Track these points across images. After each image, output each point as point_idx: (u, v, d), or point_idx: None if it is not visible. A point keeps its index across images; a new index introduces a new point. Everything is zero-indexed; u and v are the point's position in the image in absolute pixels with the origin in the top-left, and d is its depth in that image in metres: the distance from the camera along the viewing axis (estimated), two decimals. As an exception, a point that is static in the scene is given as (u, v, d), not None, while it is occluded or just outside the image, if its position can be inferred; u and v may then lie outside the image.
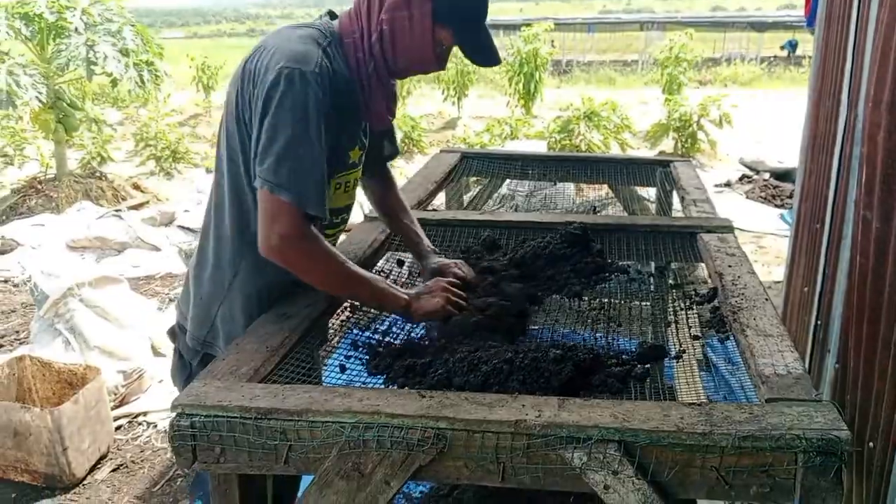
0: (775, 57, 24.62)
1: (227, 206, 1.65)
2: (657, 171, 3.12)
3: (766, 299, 1.65)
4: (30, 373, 2.99)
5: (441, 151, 3.32)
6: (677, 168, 2.99)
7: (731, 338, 1.55)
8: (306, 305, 1.71)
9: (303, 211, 1.48)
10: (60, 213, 6.67)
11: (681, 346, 1.63)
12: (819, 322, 3.10)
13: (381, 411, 1.18)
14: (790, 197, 7.72)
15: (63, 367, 2.97)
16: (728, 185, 8.27)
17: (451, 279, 1.75)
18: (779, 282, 4.33)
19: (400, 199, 2.01)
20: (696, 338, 1.64)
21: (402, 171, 9.00)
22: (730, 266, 1.85)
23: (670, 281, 2.08)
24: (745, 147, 9.96)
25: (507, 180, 3.41)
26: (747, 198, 7.79)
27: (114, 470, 2.96)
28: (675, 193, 2.94)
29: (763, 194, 7.84)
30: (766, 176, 8.47)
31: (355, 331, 1.76)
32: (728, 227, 2.14)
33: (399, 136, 9.36)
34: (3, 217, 7.25)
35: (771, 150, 9.26)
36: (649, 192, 3.18)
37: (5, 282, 5.14)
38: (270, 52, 1.52)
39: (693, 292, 1.83)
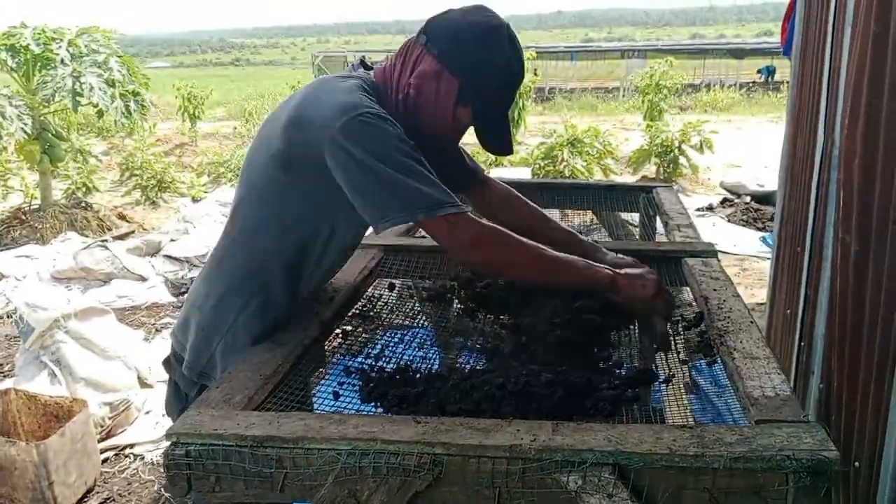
0: (754, 83, 25.08)
1: (242, 243, 1.67)
2: (640, 196, 3.17)
3: (752, 322, 1.68)
4: (15, 406, 2.96)
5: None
6: (660, 193, 3.04)
7: (719, 361, 1.58)
8: (299, 332, 1.73)
9: (460, 209, 1.48)
10: (45, 244, 6.63)
11: (670, 370, 1.65)
12: (802, 343, 3.15)
13: (376, 437, 1.19)
14: (771, 220, 7.84)
15: (49, 400, 2.94)
16: (710, 208, 8.38)
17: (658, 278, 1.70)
18: (762, 303, 4.39)
19: (523, 204, 1.96)
20: (684, 362, 1.66)
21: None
22: (715, 290, 1.89)
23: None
24: (726, 171, 10.12)
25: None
26: (729, 221, 7.90)
27: None
28: (658, 218, 2.99)
29: (744, 217, 7.95)
30: (747, 199, 8.60)
31: (347, 357, 1.77)
32: (712, 252, 2.18)
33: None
34: (-14, 248, 7.22)
35: (751, 174, 9.41)
36: (633, 217, 3.22)
37: (-11, 314, 5.10)
38: (320, 104, 1.52)
39: (680, 317, 1.86)
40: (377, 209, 1.47)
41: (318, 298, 1.90)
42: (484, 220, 1.59)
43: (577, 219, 3.32)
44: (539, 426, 1.21)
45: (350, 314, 1.95)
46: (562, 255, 1.62)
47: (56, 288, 5.40)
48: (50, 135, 7.48)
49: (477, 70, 1.57)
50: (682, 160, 9.25)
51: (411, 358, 1.74)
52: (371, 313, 2.01)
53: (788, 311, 3.39)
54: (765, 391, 1.34)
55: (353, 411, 1.56)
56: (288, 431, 1.23)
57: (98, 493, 2.98)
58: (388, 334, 1.90)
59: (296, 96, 1.63)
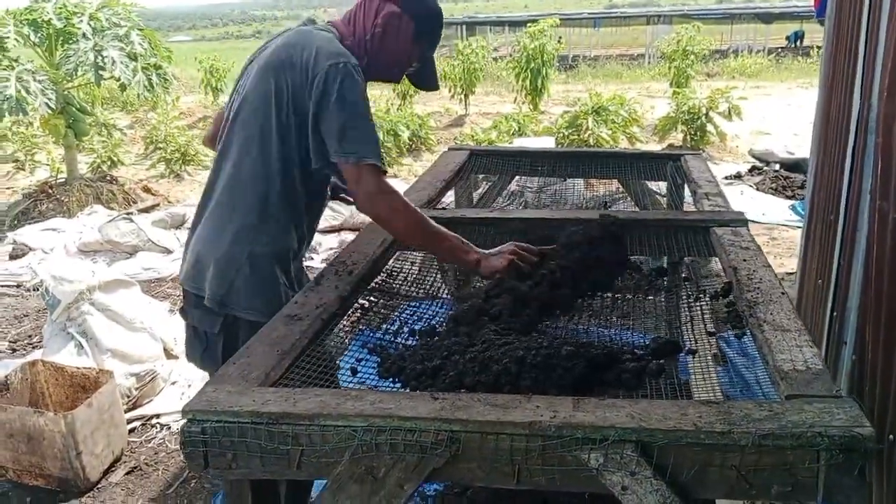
0: (783, 48, 24.46)
1: (245, 183, 1.84)
2: (668, 164, 3.10)
3: (783, 293, 1.62)
4: (43, 377, 2.99)
5: (449, 149, 3.30)
6: (688, 161, 2.96)
7: (748, 333, 1.53)
8: (316, 307, 1.70)
9: (381, 169, 1.77)
10: (72, 218, 6.69)
11: (695, 341, 1.61)
12: (835, 314, 3.07)
13: (393, 414, 1.17)
14: (801, 188, 7.67)
15: (76, 372, 2.97)
16: (738, 176, 8.21)
17: (521, 244, 1.91)
18: (792, 273, 4.29)
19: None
20: (711, 333, 1.62)
21: (412, 168, 8.99)
22: (744, 260, 1.83)
23: (683, 275, 2.06)
24: (755, 139, 9.90)
25: (517, 177, 3.38)
26: (758, 189, 7.73)
27: (128, 473, 2.96)
28: (685, 187, 2.92)
29: (774, 185, 7.78)
30: (776, 167, 8.41)
31: (366, 332, 1.75)
32: (741, 221, 2.12)
33: (406, 133, 9.36)
34: (15, 222, 7.29)
35: (780, 142, 9.20)
36: (660, 187, 3.15)
37: (17, 286, 5.16)
38: (313, 50, 1.78)
39: (706, 287, 1.81)
40: (342, 142, 1.75)
41: (337, 272, 1.88)
42: (393, 188, 1.83)
43: (601, 188, 3.25)
44: (559, 402, 1.18)
45: (369, 287, 1.92)
46: (444, 231, 1.88)
47: (82, 261, 5.46)
48: (74, 109, 7.49)
49: (426, 15, 1.94)
50: (709, 128, 9.06)
51: (428, 326, 1.74)
52: (391, 287, 1.98)
53: (820, 281, 3.31)
54: (796, 365, 1.29)
55: (371, 387, 1.54)
56: (304, 408, 1.21)
57: (125, 462, 3.01)
58: (407, 309, 1.87)
59: (277, 42, 1.90)
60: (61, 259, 5.03)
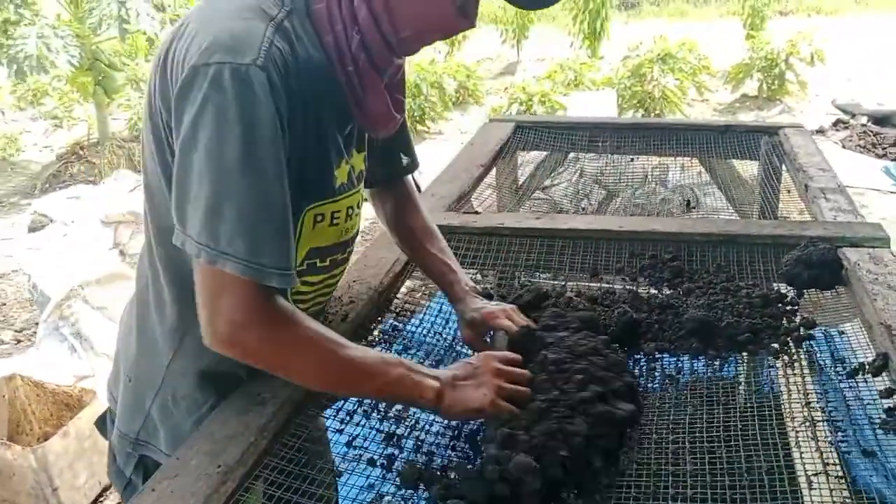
0: (865, -19, 22.60)
1: (155, 250, 1.17)
2: (761, 140, 2.49)
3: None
4: (23, 393, 2.62)
5: (490, 121, 2.76)
6: (789, 138, 2.36)
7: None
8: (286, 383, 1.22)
9: (260, 284, 1.00)
10: (99, 184, 6.37)
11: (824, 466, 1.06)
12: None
13: None
14: (893, 145, 6.85)
15: (57, 389, 2.59)
16: (821, 131, 7.39)
17: (504, 354, 1.21)
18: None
19: (424, 221, 1.45)
20: (869, 454, 1.08)
21: (458, 125, 8.40)
22: (901, 311, 1.27)
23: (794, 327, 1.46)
24: (838, 87, 8.95)
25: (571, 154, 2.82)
26: (843, 147, 6.93)
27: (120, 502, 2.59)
28: (784, 170, 2.32)
29: (861, 142, 6.97)
30: (864, 120, 7.55)
31: (362, 421, 1.25)
32: (881, 239, 1.54)
33: (453, 86, 8.69)
34: (47, 185, 7.04)
35: (867, 90, 8.27)
36: (751, 168, 2.56)
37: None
38: (191, 34, 1.01)
39: (841, 357, 1.26)
40: (183, 219, 1.00)
41: (326, 317, 1.39)
42: (279, 310, 1.04)
43: (672, 172, 2.67)
44: None
45: (369, 339, 1.43)
46: (375, 361, 1.11)
47: (105, 233, 5.12)
48: (103, 65, 7.12)
49: None
50: (788, 75, 8.19)
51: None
52: (400, 336, 1.48)
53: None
54: None
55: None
56: None
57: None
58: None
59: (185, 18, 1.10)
60: (51, 250, 4.65)
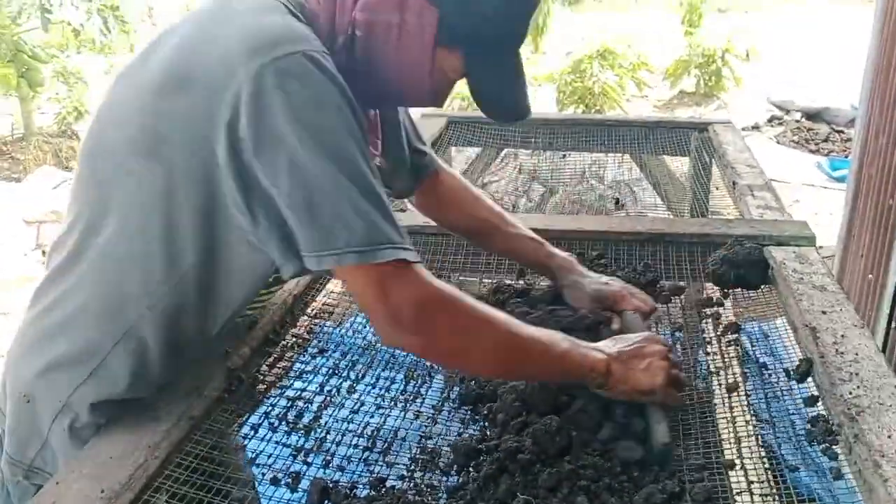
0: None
1: (91, 280, 1.04)
2: (691, 135, 2.49)
3: (897, 386, 1.05)
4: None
5: (422, 116, 2.68)
6: (718, 134, 2.35)
7: (845, 464, 0.97)
8: (185, 392, 1.13)
9: (413, 262, 0.95)
10: (21, 181, 6.09)
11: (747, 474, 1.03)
12: (893, 324, 2.52)
13: None
14: (825, 140, 7.03)
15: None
16: (756, 127, 7.55)
17: (668, 342, 1.19)
18: (827, 257, 3.69)
19: (487, 204, 1.43)
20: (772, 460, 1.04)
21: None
22: (823, 312, 1.25)
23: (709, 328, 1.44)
24: (773, 84, 9.16)
25: (504, 150, 2.79)
26: (778, 142, 7.08)
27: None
28: (714, 165, 2.32)
29: (795, 138, 7.14)
30: (798, 116, 7.74)
31: (270, 439, 1.17)
32: (807, 238, 1.52)
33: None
34: (-33, 183, 6.70)
35: (802, 86, 8.47)
36: (681, 164, 2.55)
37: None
38: (211, 39, 0.95)
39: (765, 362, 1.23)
40: (313, 226, 0.92)
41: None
42: (443, 286, 0.99)
43: (609, 170, 2.65)
44: None
45: (280, 350, 1.34)
46: (538, 333, 1.05)
47: (27, 232, 4.88)
48: (26, 56, 6.80)
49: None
50: (725, 72, 8.33)
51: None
52: (314, 349, 1.40)
53: (871, 277, 2.74)
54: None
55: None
56: None
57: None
58: (342, 393, 1.28)
59: (176, 31, 1.01)
60: None
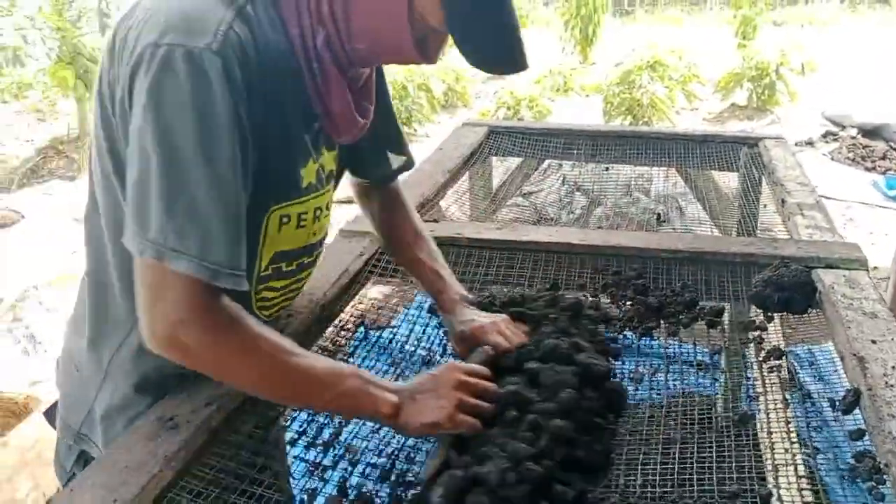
0: (859, -7, 22.65)
1: (109, 247, 1.09)
2: (741, 151, 2.41)
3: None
4: (-34, 399, 2.51)
5: (463, 125, 2.66)
6: (769, 150, 2.27)
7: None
8: (205, 401, 1.12)
9: (207, 283, 0.93)
10: (75, 180, 6.24)
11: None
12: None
13: None
14: (883, 158, 6.79)
15: (1, 396, 2.48)
16: (810, 143, 7.33)
17: (470, 366, 1.13)
18: (884, 278, 3.55)
19: (413, 225, 1.39)
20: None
21: (446, 128, 8.30)
22: (874, 341, 1.18)
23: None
24: (828, 99, 8.90)
25: (547, 161, 2.74)
26: (832, 159, 6.87)
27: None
28: (763, 182, 2.24)
29: (851, 155, 6.90)
30: (854, 132, 7.49)
31: (297, 450, 1.15)
32: (859, 261, 1.45)
33: (441, 89, 8.59)
34: (24, 180, 6.89)
35: (858, 102, 8.21)
36: (730, 179, 2.47)
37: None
38: (143, 17, 0.94)
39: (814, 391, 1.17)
40: (137, 215, 0.92)
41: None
42: (224, 311, 0.96)
43: (655, 184, 2.58)
44: None
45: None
46: (325, 369, 1.03)
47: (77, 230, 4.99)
48: (84, 59, 6.99)
49: None
50: (779, 86, 8.12)
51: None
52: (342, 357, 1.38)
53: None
54: None
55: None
56: None
57: (65, 501, 2.53)
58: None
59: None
60: (22, 244, 4.54)
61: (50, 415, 1.32)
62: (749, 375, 1.33)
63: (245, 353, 0.97)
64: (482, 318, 1.27)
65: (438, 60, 1.10)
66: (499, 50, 1.02)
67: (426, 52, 1.04)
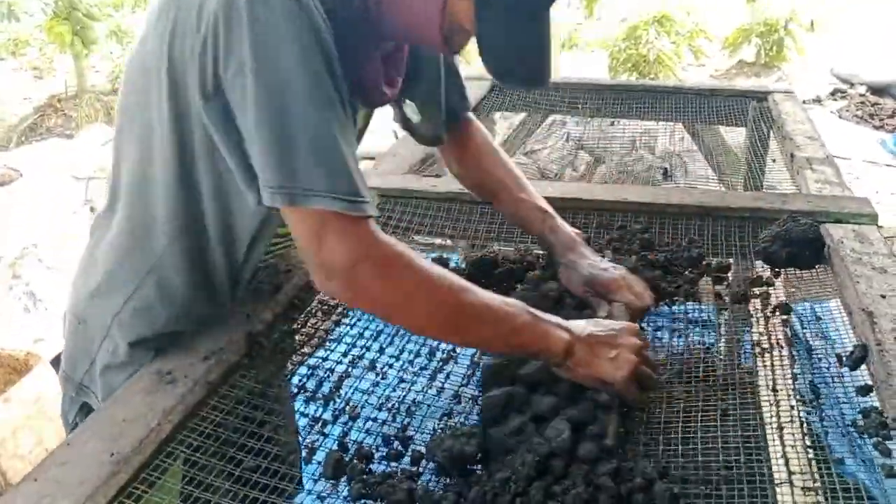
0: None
1: (126, 204, 1.09)
2: (748, 105, 2.36)
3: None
4: (-34, 356, 2.51)
5: (465, 80, 2.59)
6: (778, 103, 2.22)
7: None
8: (203, 356, 1.11)
9: (362, 215, 0.92)
10: (73, 138, 6.18)
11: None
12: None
13: None
14: (891, 116, 6.70)
15: (2, 353, 2.48)
16: (818, 100, 7.22)
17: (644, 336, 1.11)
18: (890, 237, 3.52)
19: (503, 164, 1.38)
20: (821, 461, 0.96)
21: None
22: (883, 296, 1.15)
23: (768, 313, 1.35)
24: (837, 56, 8.74)
25: (551, 117, 2.69)
26: (840, 117, 6.77)
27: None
28: (772, 137, 2.20)
29: (859, 112, 6.81)
30: (863, 90, 7.38)
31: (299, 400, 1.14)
32: (869, 216, 1.42)
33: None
34: (23, 139, 6.83)
35: (869, 60, 8.07)
36: (737, 134, 2.42)
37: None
38: None
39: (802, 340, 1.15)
40: (266, 166, 0.91)
41: (257, 285, 1.27)
42: (389, 242, 0.96)
43: (660, 138, 2.54)
44: None
45: (304, 316, 1.30)
46: (495, 302, 1.00)
47: (77, 187, 4.96)
48: (80, 15, 6.87)
49: None
50: (787, 41, 7.97)
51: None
52: (338, 316, 1.36)
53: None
54: None
55: None
56: None
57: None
58: (364, 363, 1.23)
59: None
60: (20, 202, 4.50)
61: (57, 364, 1.35)
62: (752, 332, 1.31)
63: (419, 288, 0.96)
64: (612, 268, 1.25)
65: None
66: (521, 70, 1.04)
67: (452, 46, 1.05)
